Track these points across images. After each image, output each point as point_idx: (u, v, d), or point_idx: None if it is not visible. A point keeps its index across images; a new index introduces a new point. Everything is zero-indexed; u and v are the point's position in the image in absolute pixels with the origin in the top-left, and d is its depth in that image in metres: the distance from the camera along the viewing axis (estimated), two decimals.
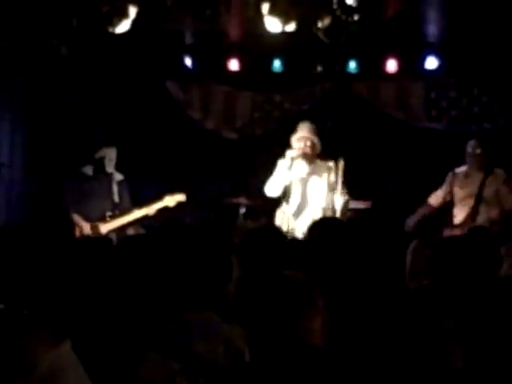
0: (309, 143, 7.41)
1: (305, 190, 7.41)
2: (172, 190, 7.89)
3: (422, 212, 7.69)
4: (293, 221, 7.24)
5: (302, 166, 7.41)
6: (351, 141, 8.62)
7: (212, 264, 3.40)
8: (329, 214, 7.17)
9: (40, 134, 8.82)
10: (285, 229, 7.01)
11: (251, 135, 9.28)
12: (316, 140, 7.46)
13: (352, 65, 8.87)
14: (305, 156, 7.38)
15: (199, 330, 3.03)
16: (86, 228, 7.59)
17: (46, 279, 2.49)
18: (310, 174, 7.42)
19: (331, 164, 7.33)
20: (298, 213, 7.30)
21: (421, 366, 2.89)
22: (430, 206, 7.72)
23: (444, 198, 7.64)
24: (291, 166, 7.30)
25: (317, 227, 5.21)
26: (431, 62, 8.75)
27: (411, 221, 7.58)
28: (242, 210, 8.15)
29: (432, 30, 8.41)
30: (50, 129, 8.87)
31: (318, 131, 7.50)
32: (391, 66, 8.82)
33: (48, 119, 8.83)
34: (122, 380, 2.60)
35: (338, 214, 7.21)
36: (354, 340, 3.23)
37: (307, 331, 2.79)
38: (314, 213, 7.25)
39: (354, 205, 8.05)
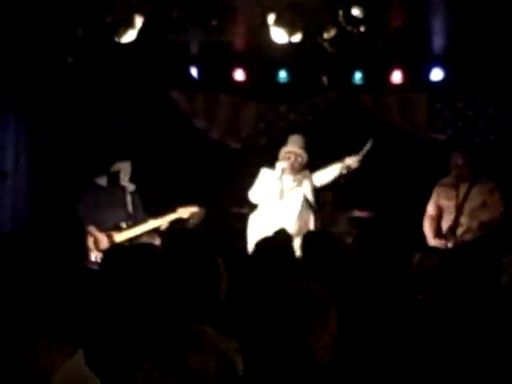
0: (299, 159, 7.56)
1: (285, 198, 7.52)
2: (176, 200, 7.91)
3: (432, 226, 7.69)
4: (265, 228, 7.30)
5: (289, 178, 7.55)
6: (355, 151, 8.61)
7: (199, 271, 3.41)
8: (303, 229, 7.30)
9: (45, 142, 8.81)
10: (256, 233, 7.18)
11: (255, 145, 9.28)
12: (304, 155, 7.59)
13: (357, 76, 8.89)
14: (292, 169, 7.51)
15: (193, 343, 3.02)
16: (102, 238, 7.58)
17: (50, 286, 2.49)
18: (295, 185, 7.56)
19: (307, 171, 7.57)
20: (272, 221, 7.36)
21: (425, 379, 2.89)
22: (431, 216, 7.74)
23: (437, 208, 7.69)
24: (281, 177, 7.42)
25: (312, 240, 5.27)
26: (436, 74, 8.77)
27: (432, 240, 7.59)
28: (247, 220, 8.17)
29: (437, 41, 8.42)
30: (55, 137, 8.87)
31: (320, 143, 7.60)
32: (396, 77, 8.85)
33: (53, 128, 8.83)
34: None
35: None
36: (362, 354, 3.22)
37: (316, 346, 2.76)
38: (288, 221, 7.37)
39: (356, 214, 8.12)
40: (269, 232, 7.12)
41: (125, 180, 7.96)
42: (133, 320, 3.08)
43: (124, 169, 7.95)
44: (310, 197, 7.53)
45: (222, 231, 7.62)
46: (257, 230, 7.45)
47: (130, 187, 8.02)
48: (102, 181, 7.93)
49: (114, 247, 5.90)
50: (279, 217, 7.41)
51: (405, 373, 3.24)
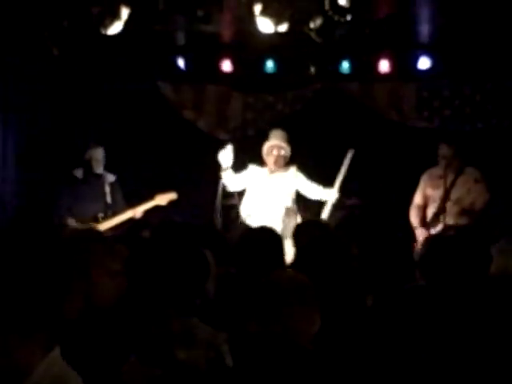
0: (282, 152, 7.64)
1: (270, 195, 7.61)
2: (164, 190, 7.90)
3: (418, 215, 7.71)
4: (247, 219, 7.44)
5: (275, 175, 7.66)
6: (343, 141, 8.60)
7: (188, 264, 3.39)
8: (291, 219, 7.38)
9: (32, 135, 8.79)
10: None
11: (243, 136, 9.27)
12: (287, 148, 7.67)
13: (344, 65, 8.89)
14: (277, 164, 7.63)
15: (181, 336, 3.00)
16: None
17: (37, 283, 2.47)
18: (280, 181, 7.65)
19: (294, 170, 7.67)
20: (261, 219, 7.40)
21: (409, 366, 2.89)
22: (418, 205, 7.76)
23: (424, 197, 7.71)
24: (268, 174, 7.63)
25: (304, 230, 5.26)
26: (424, 62, 8.77)
27: (418, 230, 7.62)
28: (234, 211, 8.17)
29: (424, 30, 8.42)
30: (42, 130, 8.85)
31: (308, 133, 7.62)
32: (384, 66, 8.84)
33: (39, 121, 8.80)
34: None
35: (328, 208, 7.53)
36: (344, 340, 3.22)
37: (299, 332, 2.77)
38: (275, 214, 7.48)
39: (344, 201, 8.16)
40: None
41: (98, 167, 7.90)
42: (123, 313, 3.07)
43: (94, 155, 7.90)
44: (292, 195, 7.60)
45: (210, 223, 7.63)
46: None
47: (110, 178, 7.97)
48: (78, 173, 7.90)
49: None
50: (267, 215, 7.46)
51: (393, 360, 3.24)
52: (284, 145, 7.63)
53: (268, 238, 4.74)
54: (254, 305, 2.81)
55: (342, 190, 7.55)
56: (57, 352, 2.17)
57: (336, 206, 7.82)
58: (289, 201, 7.61)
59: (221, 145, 7.69)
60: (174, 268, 3.32)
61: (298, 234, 5.58)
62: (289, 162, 7.73)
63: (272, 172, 7.65)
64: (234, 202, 8.21)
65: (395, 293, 3.84)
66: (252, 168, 7.75)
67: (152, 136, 9.29)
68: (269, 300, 2.79)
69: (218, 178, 7.64)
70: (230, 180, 7.60)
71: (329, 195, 7.53)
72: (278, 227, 7.13)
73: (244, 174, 7.73)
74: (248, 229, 5.38)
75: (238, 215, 7.81)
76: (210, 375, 2.90)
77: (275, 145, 7.63)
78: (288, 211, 7.51)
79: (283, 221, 7.42)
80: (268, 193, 7.60)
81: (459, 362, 3.22)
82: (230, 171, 7.56)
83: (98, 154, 7.91)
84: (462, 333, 3.37)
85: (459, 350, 3.30)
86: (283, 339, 2.69)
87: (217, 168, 7.62)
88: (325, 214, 7.52)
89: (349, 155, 7.52)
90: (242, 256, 4.47)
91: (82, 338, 2.81)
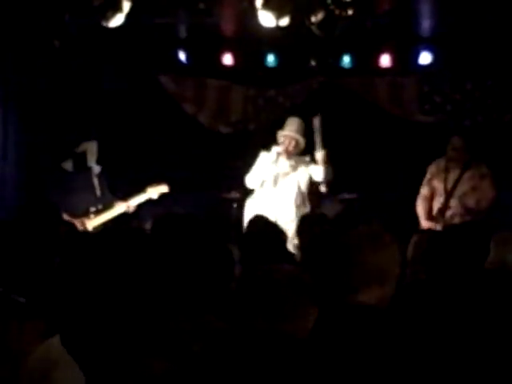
0: (293, 142, 7.53)
1: (280, 184, 7.50)
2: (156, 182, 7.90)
3: (425, 207, 7.70)
4: (263, 209, 7.28)
5: (284, 163, 7.52)
6: (344, 135, 8.62)
7: (212, 260, 3.29)
8: (302, 210, 7.35)
9: (34, 127, 8.77)
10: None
11: (244, 129, 9.28)
12: (301, 139, 7.56)
13: (346, 59, 8.88)
14: (287, 153, 7.48)
15: (194, 334, 2.97)
16: (77, 224, 7.53)
17: (38, 271, 2.49)
18: (290, 170, 7.54)
19: (307, 159, 7.57)
20: (269, 204, 7.36)
21: (405, 360, 2.89)
22: (424, 196, 7.74)
23: (431, 188, 7.69)
24: (276, 160, 7.39)
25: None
26: (425, 57, 8.78)
27: (424, 222, 7.60)
28: (235, 205, 8.19)
29: (426, 24, 8.42)
30: (44, 123, 8.83)
31: (308, 125, 7.57)
32: (385, 60, 8.84)
33: (41, 113, 8.79)
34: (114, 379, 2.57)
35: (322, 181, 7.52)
36: (347, 334, 3.22)
37: (297, 328, 2.76)
38: (285, 207, 7.38)
39: (345, 196, 8.16)
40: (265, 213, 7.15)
41: (91, 161, 7.88)
42: (131, 309, 3.06)
43: (90, 148, 7.89)
44: (303, 185, 7.53)
45: (212, 216, 7.64)
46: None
47: (96, 169, 7.92)
48: (68, 165, 7.89)
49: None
50: (275, 202, 7.40)
51: (394, 353, 3.25)
52: (297, 136, 7.52)
53: (270, 231, 4.75)
54: (249, 300, 2.81)
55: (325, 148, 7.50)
56: (56, 339, 2.18)
57: (335, 200, 7.84)
58: (302, 188, 7.54)
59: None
60: (199, 264, 3.24)
61: (301, 231, 5.58)
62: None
63: (282, 158, 7.52)
64: (232, 195, 8.23)
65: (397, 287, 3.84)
66: (263, 156, 7.61)
67: (152, 129, 9.28)
68: (261, 295, 2.78)
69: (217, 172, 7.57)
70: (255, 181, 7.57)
71: (317, 158, 7.49)
72: (290, 214, 7.12)
73: (258, 166, 7.59)
74: (250, 222, 5.34)
75: (240, 209, 7.80)
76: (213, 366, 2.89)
77: (287, 135, 7.53)
78: (299, 202, 7.45)
79: (296, 209, 7.37)
80: (281, 179, 7.51)
81: (458, 354, 3.23)
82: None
83: (93, 148, 7.89)
84: (461, 327, 3.38)
85: (459, 345, 3.31)
86: (278, 335, 2.70)
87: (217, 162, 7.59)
88: (320, 176, 7.49)
89: (316, 122, 7.48)
90: (245, 250, 4.48)
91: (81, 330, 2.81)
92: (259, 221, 5.33)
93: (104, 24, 6.87)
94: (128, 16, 6.89)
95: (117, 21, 6.87)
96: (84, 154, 7.84)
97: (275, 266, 2.96)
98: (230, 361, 2.91)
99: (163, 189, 7.82)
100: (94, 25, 7.04)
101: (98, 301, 3.05)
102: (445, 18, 8.00)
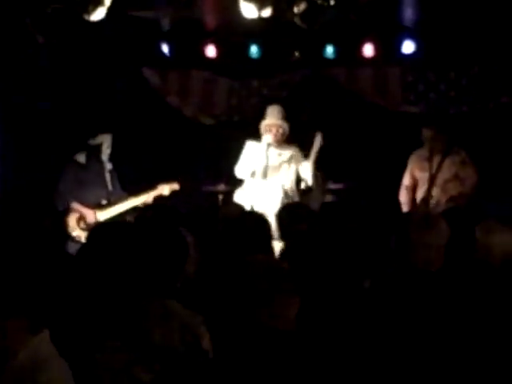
0: (281, 130, 7.55)
1: (269, 176, 7.51)
2: (150, 177, 7.88)
3: (407, 196, 7.73)
4: (251, 200, 7.30)
5: (275, 154, 7.53)
6: (329, 126, 8.61)
7: (166, 248, 3.38)
8: (290, 197, 7.41)
9: (25, 123, 8.77)
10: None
11: (229, 121, 9.27)
12: (285, 125, 7.58)
13: (329, 50, 8.86)
14: (277, 142, 7.51)
15: (157, 319, 2.99)
16: (89, 214, 7.56)
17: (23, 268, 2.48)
18: (280, 162, 7.56)
19: (296, 148, 7.62)
20: (258, 196, 7.36)
21: (389, 350, 2.91)
22: (406, 186, 7.78)
23: (412, 178, 7.73)
24: (267, 151, 7.39)
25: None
26: (408, 46, 8.77)
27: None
28: (221, 197, 8.18)
29: (408, 13, 8.42)
30: (31, 118, 8.81)
31: (295, 115, 7.57)
32: (368, 50, 8.83)
33: (27, 110, 8.77)
34: (80, 368, 2.57)
35: (310, 183, 7.54)
36: (324, 324, 3.23)
37: (277, 317, 2.75)
38: (274, 199, 7.33)
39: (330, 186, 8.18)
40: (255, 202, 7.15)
41: (106, 153, 7.88)
42: (98, 297, 3.06)
43: (106, 141, 7.88)
44: (292, 180, 7.55)
45: (196, 209, 7.63)
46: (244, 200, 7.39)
47: (108, 166, 7.95)
48: (81, 158, 7.87)
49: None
50: (263, 194, 7.38)
51: (390, 343, 3.26)
52: (281, 122, 7.54)
53: (254, 222, 4.74)
54: (230, 290, 2.82)
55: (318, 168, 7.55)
56: (45, 335, 2.17)
57: (322, 191, 7.85)
58: (289, 179, 7.56)
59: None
60: (152, 249, 3.31)
61: (282, 222, 5.58)
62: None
63: (272, 148, 7.54)
64: (218, 188, 8.22)
65: (388, 276, 3.84)
66: (250, 145, 7.63)
67: (136, 122, 9.25)
68: (241, 285, 2.79)
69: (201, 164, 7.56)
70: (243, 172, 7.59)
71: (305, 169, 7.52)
72: (277, 205, 7.12)
73: (246, 156, 7.61)
74: (235, 213, 5.34)
75: (226, 200, 7.80)
76: (185, 356, 2.90)
77: (272, 124, 7.54)
78: (287, 192, 7.45)
79: (282, 201, 7.34)
80: (271, 171, 7.51)
81: (441, 346, 3.25)
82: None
83: (109, 140, 7.89)
84: (454, 316, 3.39)
85: (444, 332, 3.32)
86: (260, 324, 2.70)
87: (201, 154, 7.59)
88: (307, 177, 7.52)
89: (318, 138, 7.50)
90: (227, 240, 4.48)
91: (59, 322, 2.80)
92: (246, 214, 5.34)
93: (86, 18, 6.84)
94: (110, 9, 6.86)
95: (99, 14, 6.84)
96: (99, 147, 7.83)
97: (250, 256, 2.97)
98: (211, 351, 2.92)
99: (174, 186, 7.87)
100: (75, 18, 6.99)
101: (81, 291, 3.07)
102: (427, 7, 7.99)
